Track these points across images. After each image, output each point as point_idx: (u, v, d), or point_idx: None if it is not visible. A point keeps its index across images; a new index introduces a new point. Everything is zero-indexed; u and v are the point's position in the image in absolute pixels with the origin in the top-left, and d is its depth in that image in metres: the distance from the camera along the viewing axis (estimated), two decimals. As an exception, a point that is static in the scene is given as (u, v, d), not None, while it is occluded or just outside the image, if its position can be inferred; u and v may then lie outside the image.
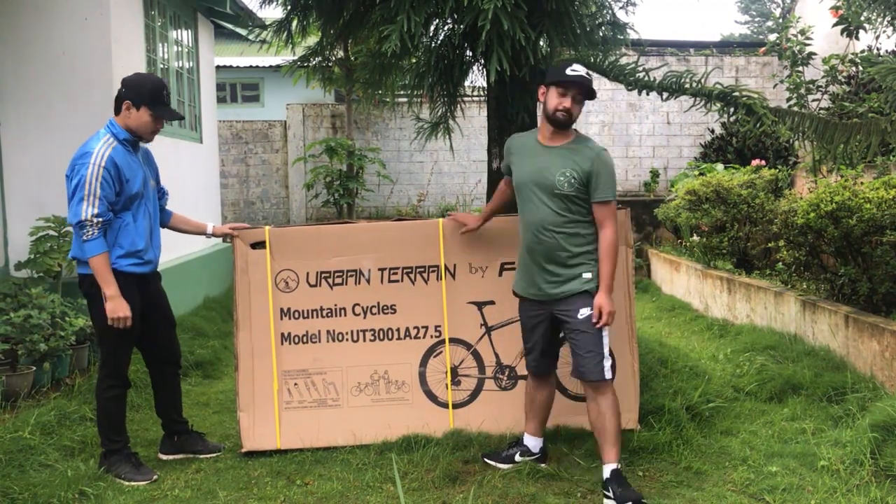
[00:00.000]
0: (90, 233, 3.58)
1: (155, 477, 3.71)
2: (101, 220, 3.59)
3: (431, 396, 4.17)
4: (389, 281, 4.18)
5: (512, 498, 3.41)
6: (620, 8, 5.29)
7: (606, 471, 3.38)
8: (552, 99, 3.46)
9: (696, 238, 8.52)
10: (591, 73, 5.13)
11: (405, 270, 4.18)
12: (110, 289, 3.58)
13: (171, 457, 4.01)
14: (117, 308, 3.58)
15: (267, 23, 6.11)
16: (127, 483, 3.65)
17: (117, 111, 3.78)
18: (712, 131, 11.76)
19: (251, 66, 15.08)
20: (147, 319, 3.83)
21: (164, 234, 4.12)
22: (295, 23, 5.35)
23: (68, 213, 3.67)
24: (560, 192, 3.43)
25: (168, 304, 4.00)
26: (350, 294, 4.17)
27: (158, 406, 4.09)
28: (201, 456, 4.03)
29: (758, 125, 4.50)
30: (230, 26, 9.27)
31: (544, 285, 3.50)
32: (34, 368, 4.75)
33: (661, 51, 12.38)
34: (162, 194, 4.07)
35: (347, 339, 4.17)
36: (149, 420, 4.51)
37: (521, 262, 3.66)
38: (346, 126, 12.11)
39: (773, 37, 10.09)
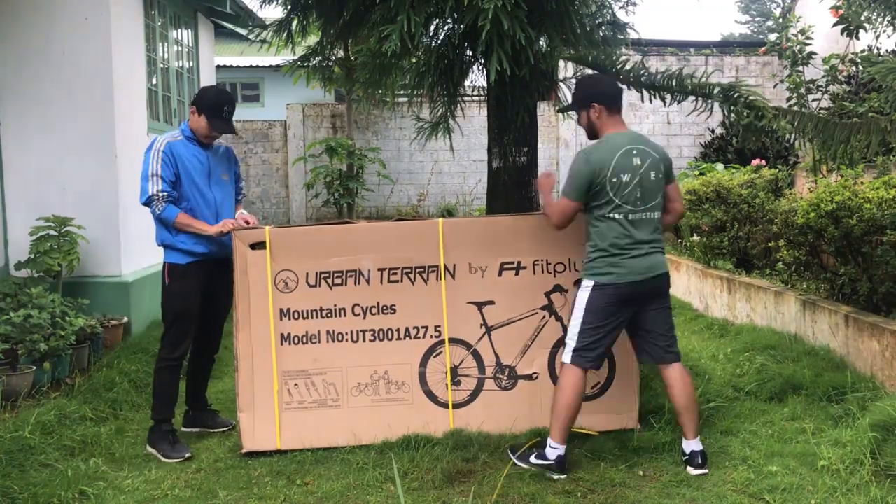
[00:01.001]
0: (159, 207, 3.99)
1: (188, 454, 4.00)
2: (165, 193, 3.99)
3: (431, 396, 4.17)
4: (389, 281, 4.17)
5: (512, 498, 3.41)
6: (620, 8, 5.30)
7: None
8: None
9: (696, 238, 8.52)
10: (592, 72, 5.14)
11: (405, 270, 4.18)
12: (208, 229, 4.04)
13: (189, 430, 4.39)
14: (226, 225, 4.07)
15: (267, 23, 6.11)
16: (164, 458, 3.97)
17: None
18: (712, 131, 11.76)
19: (251, 66, 15.08)
20: (209, 304, 4.21)
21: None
22: (295, 23, 5.35)
23: (139, 197, 4.08)
24: None
25: (230, 294, 4.19)
26: (350, 294, 4.16)
27: (189, 384, 4.43)
28: (212, 430, 4.40)
29: (758, 118, 4.50)
30: (230, 26, 9.28)
31: None
32: (34, 368, 4.75)
33: (661, 51, 12.39)
34: (238, 191, 4.48)
35: (347, 340, 4.16)
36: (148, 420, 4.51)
37: None
38: (347, 126, 12.11)
39: (773, 37, 10.08)
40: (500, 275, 4.20)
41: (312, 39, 6.06)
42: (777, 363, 5.00)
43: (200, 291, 4.14)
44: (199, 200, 4.11)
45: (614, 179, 3.61)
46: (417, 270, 4.18)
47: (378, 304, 4.17)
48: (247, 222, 4.19)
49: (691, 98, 4.88)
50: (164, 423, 4.10)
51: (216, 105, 4.13)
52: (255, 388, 4.10)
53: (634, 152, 3.66)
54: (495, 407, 4.14)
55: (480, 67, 4.95)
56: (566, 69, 7.75)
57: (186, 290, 4.10)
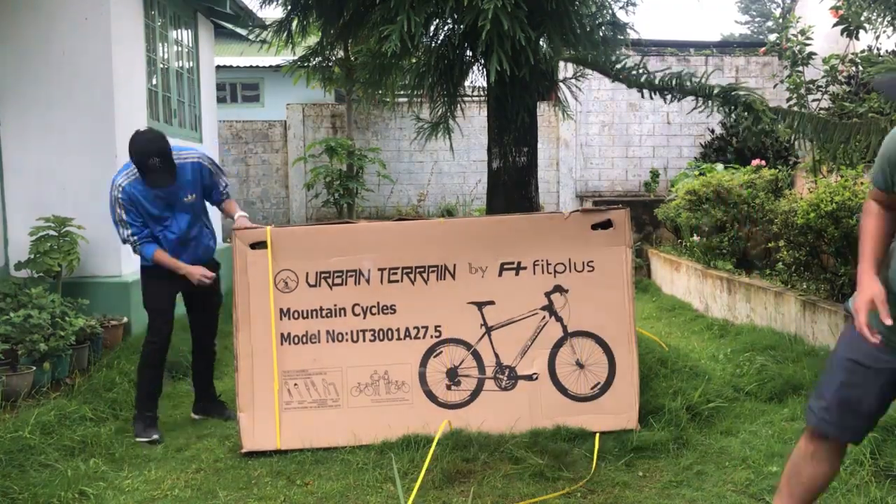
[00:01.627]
0: (136, 248, 4.19)
1: (155, 437, 4.22)
2: (136, 237, 4.17)
3: (431, 396, 4.17)
4: (389, 281, 4.17)
5: (512, 498, 3.41)
6: (620, 8, 5.29)
7: None
8: None
9: (696, 238, 8.52)
10: (592, 72, 5.15)
11: (405, 270, 4.18)
12: (180, 269, 4.22)
13: (199, 417, 4.65)
14: (192, 273, 4.23)
15: (267, 23, 6.11)
16: (135, 437, 4.22)
17: None
18: (712, 131, 11.76)
19: (251, 66, 15.06)
20: (194, 299, 4.50)
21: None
22: (295, 23, 5.36)
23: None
24: None
25: (217, 290, 4.53)
26: (350, 294, 4.16)
27: (195, 379, 4.73)
28: (217, 417, 4.62)
29: (756, 123, 4.50)
30: (230, 26, 9.27)
31: None
32: (34, 368, 4.75)
33: (661, 51, 12.38)
34: (217, 195, 4.45)
35: (347, 340, 4.16)
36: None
37: None
38: (346, 126, 12.10)
39: (773, 37, 10.07)
40: (500, 275, 4.19)
41: (312, 39, 6.06)
42: (777, 363, 5.00)
43: (175, 291, 4.38)
44: (163, 233, 4.24)
45: None
46: (417, 270, 4.18)
47: (378, 303, 4.17)
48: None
49: (691, 97, 4.88)
50: (146, 412, 4.34)
51: (142, 155, 3.96)
52: (254, 387, 4.10)
53: None
54: (495, 407, 4.14)
55: (480, 67, 4.96)
56: (566, 69, 7.76)
57: (159, 290, 4.33)
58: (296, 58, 7.12)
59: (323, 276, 4.16)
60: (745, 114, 4.60)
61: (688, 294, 8.05)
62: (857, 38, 6.29)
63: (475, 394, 4.18)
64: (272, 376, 4.11)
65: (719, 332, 6.41)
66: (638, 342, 4.29)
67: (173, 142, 4.22)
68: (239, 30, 9.47)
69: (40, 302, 5.04)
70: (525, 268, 4.20)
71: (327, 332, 4.16)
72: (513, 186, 4.87)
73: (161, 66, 7.27)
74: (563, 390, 4.17)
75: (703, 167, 10.23)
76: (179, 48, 7.99)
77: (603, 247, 4.23)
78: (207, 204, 4.48)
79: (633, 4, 5.31)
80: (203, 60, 8.50)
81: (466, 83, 5.27)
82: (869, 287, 2.36)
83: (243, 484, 3.67)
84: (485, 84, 4.98)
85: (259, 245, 4.14)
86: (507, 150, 4.82)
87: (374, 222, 5.12)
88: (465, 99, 5.56)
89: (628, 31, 5.03)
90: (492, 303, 4.18)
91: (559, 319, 4.19)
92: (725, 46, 13.71)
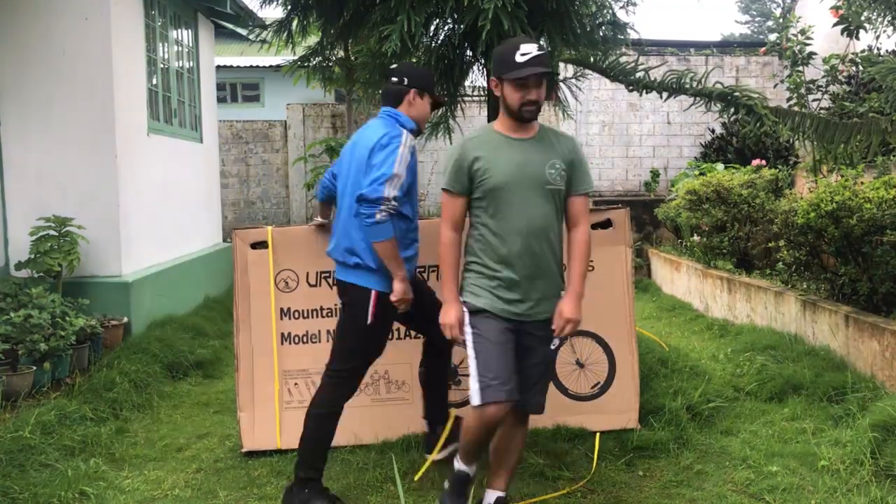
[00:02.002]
0: (383, 217, 3.19)
1: None
2: (395, 205, 3.22)
3: (431, 396, 4.16)
4: (389, 281, 4.17)
5: (512, 498, 3.41)
6: (620, 8, 5.28)
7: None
8: (511, 94, 2.93)
9: (696, 238, 8.53)
10: (592, 72, 5.14)
11: (405, 270, 4.17)
12: (402, 271, 3.32)
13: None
14: (407, 291, 3.34)
15: (267, 23, 6.11)
16: None
17: (398, 102, 3.43)
18: (712, 131, 11.76)
19: (251, 66, 15.08)
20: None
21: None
22: (295, 23, 5.36)
23: (365, 187, 3.22)
24: (553, 186, 3.00)
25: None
26: (350, 294, 4.16)
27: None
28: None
29: (759, 126, 4.50)
30: (230, 26, 9.28)
31: (530, 303, 3.00)
32: (34, 368, 4.75)
33: (661, 51, 12.39)
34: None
35: (347, 339, 4.16)
36: (148, 424, 4.52)
37: (497, 276, 3.00)
38: (347, 126, 12.10)
39: (773, 37, 10.09)
40: (500, 275, 4.19)
41: (312, 39, 6.06)
42: (777, 363, 5.00)
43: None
44: (416, 218, 3.45)
45: None
46: (418, 270, 4.17)
47: (378, 303, 4.16)
48: None
49: (690, 96, 4.88)
50: (317, 475, 3.40)
51: (433, 79, 3.53)
52: (255, 387, 4.10)
53: None
54: (495, 407, 4.13)
55: (480, 67, 4.95)
56: (566, 69, 7.76)
57: (387, 326, 3.51)
58: (296, 58, 7.12)
59: (323, 275, 4.16)
60: (748, 117, 4.59)
61: (688, 294, 8.05)
62: (857, 38, 6.29)
63: (475, 394, 4.17)
64: (273, 376, 4.11)
65: (719, 332, 6.41)
66: (638, 342, 4.29)
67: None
68: (239, 30, 9.47)
69: (40, 302, 5.04)
70: (525, 268, 4.20)
71: (328, 331, 4.16)
72: (513, 186, 4.85)
73: (161, 65, 7.27)
74: (563, 390, 4.17)
75: (704, 167, 10.23)
76: (179, 48, 7.99)
77: (603, 246, 4.22)
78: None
79: (633, 4, 5.30)
80: (203, 60, 8.50)
81: (466, 83, 5.27)
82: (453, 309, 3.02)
83: (243, 484, 3.67)
84: (485, 84, 4.98)
85: (260, 245, 4.14)
86: (507, 149, 4.80)
87: (374, 222, 5.10)
88: (465, 99, 5.55)
89: (628, 31, 5.03)
90: (492, 303, 4.17)
91: (559, 319, 4.18)
92: (725, 46, 13.70)
